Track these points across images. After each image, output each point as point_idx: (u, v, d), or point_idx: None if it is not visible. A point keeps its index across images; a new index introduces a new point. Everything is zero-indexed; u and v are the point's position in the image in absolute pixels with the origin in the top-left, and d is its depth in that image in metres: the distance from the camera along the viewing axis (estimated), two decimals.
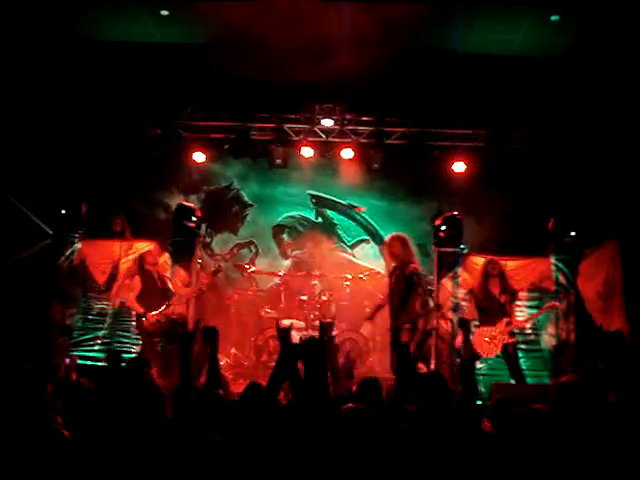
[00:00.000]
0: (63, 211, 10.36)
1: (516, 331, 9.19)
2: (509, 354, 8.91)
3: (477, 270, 9.97)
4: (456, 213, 10.28)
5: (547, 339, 10.26)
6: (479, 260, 10.38)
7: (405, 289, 8.68)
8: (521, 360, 10.19)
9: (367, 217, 12.00)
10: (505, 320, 8.74)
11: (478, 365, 10.20)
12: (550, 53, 9.66)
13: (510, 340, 8.86)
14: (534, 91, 9.94)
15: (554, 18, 8.97)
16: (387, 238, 9.51)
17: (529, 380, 9.81)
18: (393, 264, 9.05)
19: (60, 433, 3.88)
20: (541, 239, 10.48)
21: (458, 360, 8.68)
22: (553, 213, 10.33)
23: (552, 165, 10.64)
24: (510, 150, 10.64)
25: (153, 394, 4.01)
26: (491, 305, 8.91)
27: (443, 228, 10.26)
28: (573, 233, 10.22)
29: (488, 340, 8.78)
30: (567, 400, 3.45)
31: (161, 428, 3.86)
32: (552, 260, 10.41)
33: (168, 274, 10.19)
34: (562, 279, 10.38)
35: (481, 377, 9.97)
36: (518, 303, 10.36)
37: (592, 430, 3.39)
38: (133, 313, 9.86)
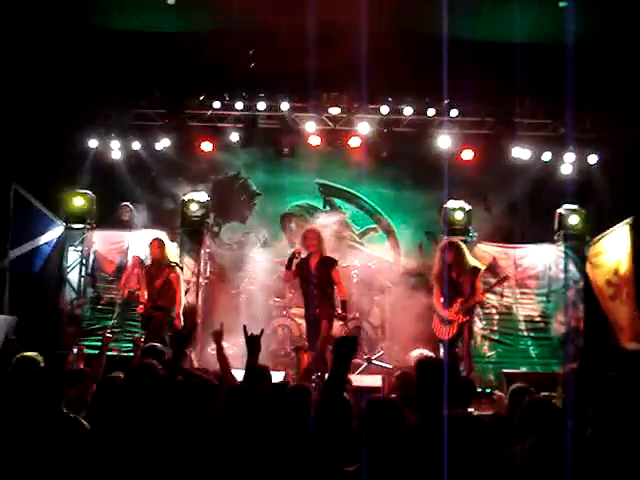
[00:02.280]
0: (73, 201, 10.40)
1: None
2: (460, 333, 8.54)
3: (485, 258, 10.00)
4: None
5: (556, 327, 10.24)
6: (488, 248, 10.38)
7: None
8: (530, 348, 10.23)
9: (375, 205, 11.98)
10: (460, 300, 8.45)
11: (487, 353, 10.23)
12: (558, 40, 9.59)
13: (465, 319, 8.46)
14: (542, 78, 9.88)
15: (562, 4, 8.91)
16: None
17: (538, 368, 9.82)
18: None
19: (79, 423, 3.92)
20: (550, 227, 10.44)
21: None
22: (562, 201, 10.29)
23: (561, 151, 10.59)
24: (518, 137, 10.60)
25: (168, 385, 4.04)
26: (449, 287, 8.55)
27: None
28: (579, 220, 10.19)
29: (446, 322, 8.55)
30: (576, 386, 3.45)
31: (175, 419, 3.88)
32: (561, 248, 10.38)
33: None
34: (571, 267, 10.35)
35: (490, 365, 10.00)
36: (526, 291, 10.38)
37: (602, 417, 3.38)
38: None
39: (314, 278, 8.49)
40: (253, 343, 4.82)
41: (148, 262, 9.50)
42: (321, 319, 8.39)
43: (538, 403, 3.90)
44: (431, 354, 8.52)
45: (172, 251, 9.71)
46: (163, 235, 9.89)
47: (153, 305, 8.90)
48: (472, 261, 8.70)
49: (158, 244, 9.15)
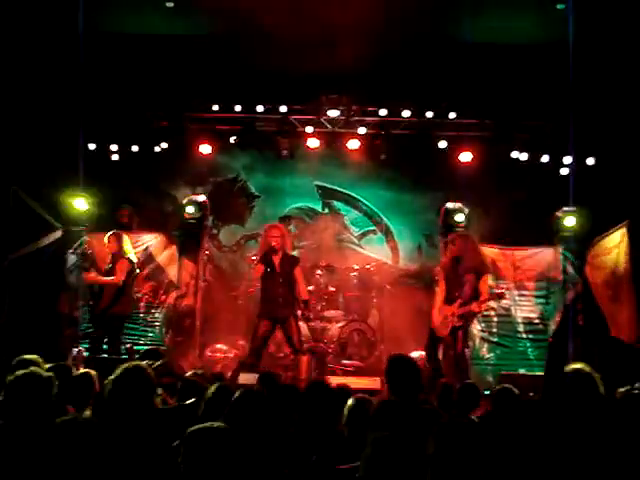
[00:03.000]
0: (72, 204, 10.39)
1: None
2: (455, 336, 8.34)
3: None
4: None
5: (555, 328, 10.24)
6: (486, 250, 10.37)
7: None
8: (529, 350, 10.22)
9: (374, 207, 11.99)
10: (458, 302, 8.24)
11: (486, 355, 10.22)
12: (557, 41, 9.61)
13: (458, 323, 8.26)
14: (541, 80, 9.90)
15: (560, 6, 8.93)
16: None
17: (537, 370, 9.81)
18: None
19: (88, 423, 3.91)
20: (548, 229, 10.45)
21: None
22: (560, 202, 10.30)
23: (559, 154, 10.61)
24: (517, 139, 10.63)
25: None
26: (452, 283, 8.38)
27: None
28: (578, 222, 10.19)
29: (444, 319, 8.45)
30: (574, 389, 3.46)
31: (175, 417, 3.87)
32: (560, 249, 10.39)
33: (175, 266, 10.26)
34: (570, 268, 10.35)
35: (489, 367, 10.01)
36: (525, 293, 10.39)
37: (599, 418, 3.39)
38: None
39: (279, 276, 8.36)
40: None
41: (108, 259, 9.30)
42: (289, 318, 8.39)
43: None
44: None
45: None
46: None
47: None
48: (481, 257, 8.66)
49: (115, 238, 9.04)
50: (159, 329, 10.26)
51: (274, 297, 8.36)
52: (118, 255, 8.93)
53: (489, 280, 8.80)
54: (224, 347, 10.07)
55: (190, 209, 10.47)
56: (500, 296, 9.11)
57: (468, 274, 8.26)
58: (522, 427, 3.69)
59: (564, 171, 10.58)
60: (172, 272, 10.49)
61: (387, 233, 11.96)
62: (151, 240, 10.51)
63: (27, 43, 9.39)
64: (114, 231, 9.15)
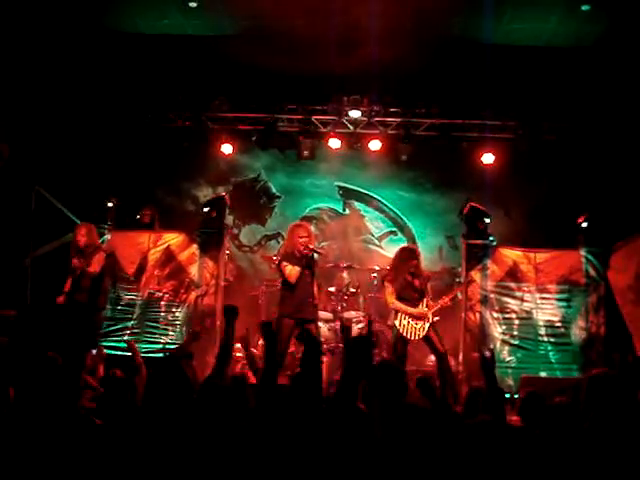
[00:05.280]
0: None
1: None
2: (437, 335, 8.43)
3: (505, 262, 9.99)
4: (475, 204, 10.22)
5: (577, 332, 10.16)
6: (508, 252, 10.32)
7: None
8: (550, 353, 10.14)
9: (395, 209, 11.96)
10: (426, 299, 8.37)
11: (507, 358, 10.16)
12: (581, 43, 9.56)
13: (434, 319, 8.40)
14: (564, 82, 9.85)
15: (585, 8, 8.86)
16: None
17: (558, 373, 9.75)
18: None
19: (90, 419, 3.94)
20: (571, 231, 10.37)
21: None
22: (583, 205, 10.22)
23: (582, 156, 10.54)
24: (540, 141, 10.57)
25: (185, 386, 4.03)
26: (408, 290, 8.44)
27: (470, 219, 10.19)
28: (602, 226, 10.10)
29: (413, 323, 8.47)
30: (598, 393, 3.43)
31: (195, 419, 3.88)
32: (582, 252, 10.30)
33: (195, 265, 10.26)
34: (592, 272, 10.26)
35: (510, 370, 9.94)
36: (547, 296, 10.31)
37: (622, 423, 3.36)
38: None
39: (308, 277, 8.26)
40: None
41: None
42: (316, 319, 8.41)
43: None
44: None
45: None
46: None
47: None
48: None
49: (86, 230, 8.83)
50: (179, 328, 10.29)
51: (304, 297, 8.22)
52: (93, 246, 8.75)
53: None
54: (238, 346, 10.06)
55: (211, 209, 10.48)
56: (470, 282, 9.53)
57: (415, 279, 8.44)
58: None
59: (587, 173, 10.49)
60: (193, 271, 10.50)
61: (408, 234, 11.92)
62: (172, 239, 10.54)
63: (51, 45, 9.48)
64: (84, 223, 9.07)
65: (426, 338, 8.41)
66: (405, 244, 9.02)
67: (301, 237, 8.22)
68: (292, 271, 8.14)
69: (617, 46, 9.35)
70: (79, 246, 8.63)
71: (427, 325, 8.39)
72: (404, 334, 8.36)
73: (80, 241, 8.62)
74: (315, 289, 8.41)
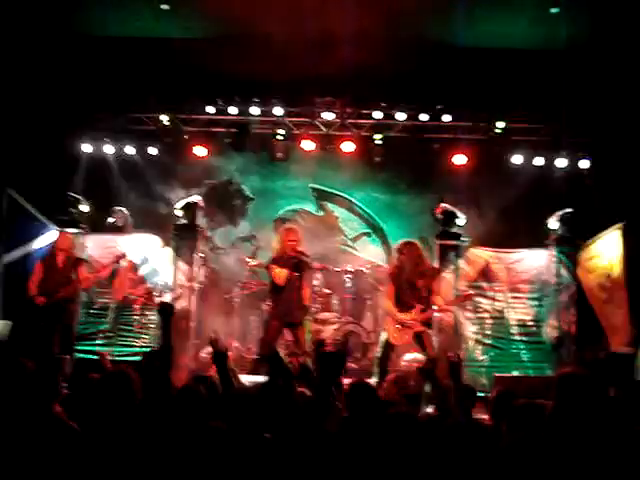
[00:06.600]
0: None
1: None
2: (421, 342, 8.21)
3: (477, 262, 10.06)
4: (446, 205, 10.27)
5: (549, 331, 10.28)
6: (480, 252, 10.42)
7: None
8: (522, 352, 10.26)
9: (368, 210, 12.00)
10: (418, 307, 8.09)
11: (480, 357, 10.25)
12: (553, 46, 9.66)
13: (420, 329, 8.10)
14: (535, 84, 9.94)
15: (554, 11, 8.96)
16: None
17: (530, 372, 9.86)
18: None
19: (65, 424, 3.92)
20: (542, 231, 10.48)
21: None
22: (555, 205, 10.33)
23: (553, 156, 10.65)
24: (511, 142, 10.68)
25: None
26: (406, 290, 8.19)
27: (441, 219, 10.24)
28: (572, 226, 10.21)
29: (399, 327, 8.18)
30: (568, 392, 3.47)
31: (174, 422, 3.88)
32: (554, 252, 10.42)
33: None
34: (563, 271, 10.39)
35: (483, 369, 10.04)
36: (519, 295, 10.42)
37: (593, 423, 3.41)
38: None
39: (297, 280, 8.33)
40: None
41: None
42: (302, 322, 8.39)
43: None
44: (423, 358, 8.52)
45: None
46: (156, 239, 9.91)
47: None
48: (427, 261, 8.58)
49: (67, 238, 8.97)
50: (154, 331, 10.25)
51: (290, 300, 8.27)
52: (73, 257, 8.89)
53: (446, 278, 9.25)
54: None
55: (185, 211, 10.45)
56: (467, 298, 9.27)
57: (419, 280, 8.17)
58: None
59: (558, 174, 10.60)
60: (167, 274, 10.49)
61: (382, 235, 11.97)
62: (146, 242, 10.50)
63: (21, 48, 9.41)
64: (63, 230, 9.12)
65: (417, 337, 8.19)
66: (406, 239, 8.76)
67: (290, 241, 8.27)
68: (280, 274, 8.19)
69: (589, 50, 9.48)
70: (72, 256, 8.85)
71: (413, 333, 8.14)
72: (389, 339, 8.24)
73: (70, 250, 8.86)
74: (307, 292, 8.46)
